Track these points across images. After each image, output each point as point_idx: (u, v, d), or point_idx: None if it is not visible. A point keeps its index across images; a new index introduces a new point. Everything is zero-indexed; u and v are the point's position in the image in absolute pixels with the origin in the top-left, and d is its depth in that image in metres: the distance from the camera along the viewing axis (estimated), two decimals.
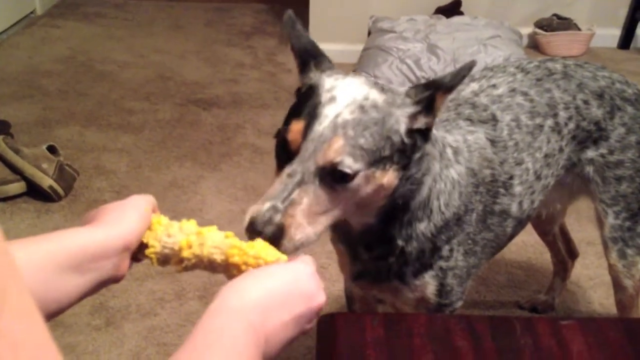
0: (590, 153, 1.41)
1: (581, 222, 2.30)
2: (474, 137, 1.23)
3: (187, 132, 2.95)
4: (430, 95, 0.99)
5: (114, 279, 0.79)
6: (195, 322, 0.67)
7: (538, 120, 1.32)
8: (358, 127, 0.93)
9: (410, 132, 1.00)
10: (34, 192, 2.43)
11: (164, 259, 0.81)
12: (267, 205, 0.89)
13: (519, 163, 1.28)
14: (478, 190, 1.20)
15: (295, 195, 0.91)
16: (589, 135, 1.39)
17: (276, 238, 0.87)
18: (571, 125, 1.36)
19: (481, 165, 1.21)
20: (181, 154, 2.77)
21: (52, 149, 2.51)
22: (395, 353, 0.82)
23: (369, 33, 3.64)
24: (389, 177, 1.00)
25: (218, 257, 0.78)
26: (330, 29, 3.66)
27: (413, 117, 1.00)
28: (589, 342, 0.84)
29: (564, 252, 1.97)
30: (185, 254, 0.79)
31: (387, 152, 0.97)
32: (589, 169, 1.42)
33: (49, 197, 2.41)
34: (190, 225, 0.82)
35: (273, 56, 3.74)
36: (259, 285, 0.71)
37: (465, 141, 1.21)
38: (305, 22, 3.76)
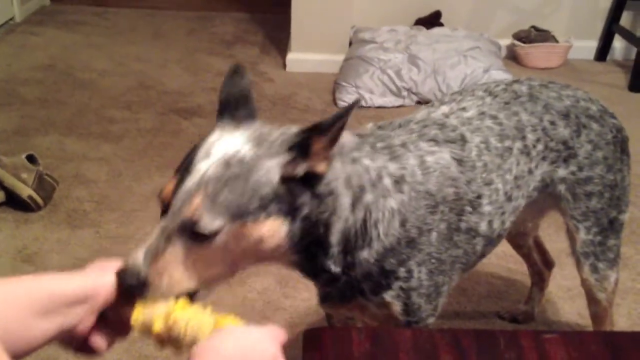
0: (562, 172, 1.43)
1: (559, 234, 2.29)
2: (435, 157, 1.23)
3: (168, 141, 2.94)
4: (303, 140, 0.98)
5: (76, 334, 0.83)
6: None
7: (507, 143, 1.34)
8: (218, 183, 0.93)
9: (286, 180, 0.98)
10: (13, 201, 2.40)
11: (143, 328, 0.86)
12: (136, 255, 0.91)
13: (487, 183, 1.29)
14: (437, 210, 1.20)
15: (162, 249, 0.92)
16: (559, 155, 1.42)
17: (139, 288, 0.88)
18: (540, 147, 1.38)
19: (442, 185, 1.21)
20: (162, 164, 2.76)
21: (31, 158, 2.48)
22: None
23: (350, 43, 3.66)
24: (267, 227, 0.97)
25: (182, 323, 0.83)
26: (311, 39, 3.66)
27: (289, 164, 0.98)
28: (572, 355, 0.86)
29: (540, 262, 2.00)
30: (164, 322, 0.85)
31: (255, 205, 0.95)
32: (561, 187, 1.45)
33: (28, 207, 2.39)
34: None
35: (255, 65, 3.73)
36: (233, 344, 0.78)
37: (422, 164, 1.20)
38: (287, 33, 3.77)
